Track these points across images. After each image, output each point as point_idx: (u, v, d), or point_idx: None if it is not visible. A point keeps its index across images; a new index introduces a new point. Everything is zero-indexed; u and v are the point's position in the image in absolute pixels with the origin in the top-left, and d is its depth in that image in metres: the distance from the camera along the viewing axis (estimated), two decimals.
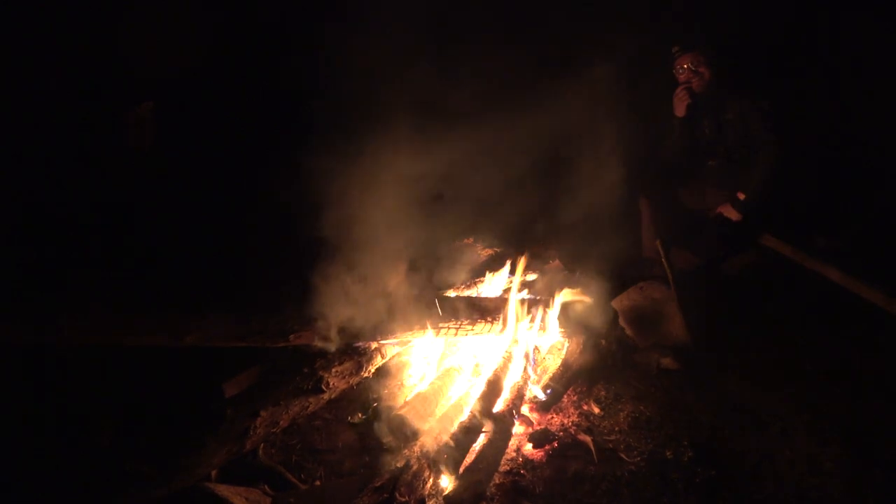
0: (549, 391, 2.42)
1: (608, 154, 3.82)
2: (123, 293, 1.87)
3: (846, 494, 1.96)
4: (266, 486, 1.97)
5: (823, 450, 2.14)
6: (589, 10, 3.82)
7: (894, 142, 3.67)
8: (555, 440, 2.21)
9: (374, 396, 2.45)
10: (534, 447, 2.18)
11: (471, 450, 2.02)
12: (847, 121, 3.74)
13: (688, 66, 3.27)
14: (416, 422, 2.10)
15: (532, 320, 2.67)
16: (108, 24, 2.74)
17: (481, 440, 2.07)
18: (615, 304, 2.98)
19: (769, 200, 3.25)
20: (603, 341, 2.78)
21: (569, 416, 2.38)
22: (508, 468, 2.08)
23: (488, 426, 2.09)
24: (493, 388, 2.26)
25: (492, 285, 2.98)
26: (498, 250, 3.29)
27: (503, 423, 2.13)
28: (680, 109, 3.34)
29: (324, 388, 2.15)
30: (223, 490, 1.83)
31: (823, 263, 2.96)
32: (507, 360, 2.47)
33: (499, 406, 2.23)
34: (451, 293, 2.81)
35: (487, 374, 2.35)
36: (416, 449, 1.95)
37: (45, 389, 1.97)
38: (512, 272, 2.97)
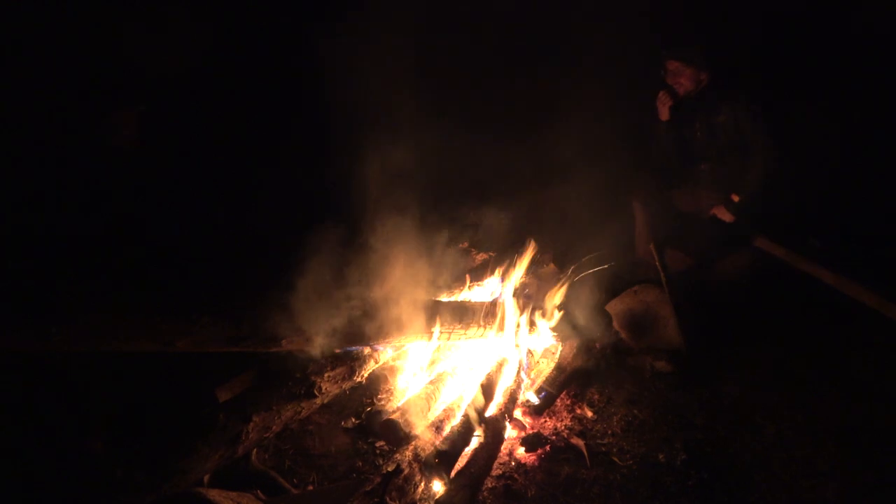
0: (542, 395, 2.42)
1: (603, 158, 3.85)
2: (114, 298, 1.87)
3: (840, 497, 1.95)
4: (259, 491, 1.96)
5: (818, 452, 2.14)
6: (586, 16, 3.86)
7: (888, 143, 3.68)
8: (547, 444, 2.21)
9: (368, 401, 2.45)
10: (526, 451, 2.18)
11: (463, 454, 2.02)
12: (840, 122, 3.75)
13: (676, 69, 3.27)
14: (408, 426, 2.10)
15: (526, 324, 2.68)
16: (97, 22, 2.75)
17: (474, 444, 2.07)
18: (609, 307, 2.99)
19: (762, 202, 3.26)
20: (597, 345, 2.78)
21: (562, 420, 2.38)
22: (501, 472, 2.08)
23: (481, 430, 2.09)
24: (485, 392, 2.26)
25: (486, 289, 2.98)
26: (493, 254, 3.29)
27: (496, 427, 2.13)
28: (663, 113, 3.36)
29: (316, 392, 2.15)
30: (215, 495, 1.82)
31: (816, 265, 2.97)
32: (501, 364, 2.47)
33: (491, 410, 2.23)
34: (446, 297, 2.82)
35: (480, 379, 2.35)
36: (408, 453, 1.95)
37: (37, 395, 1.97)
38: (506, 276, 2.97)
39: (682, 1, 3.97)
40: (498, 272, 2.99)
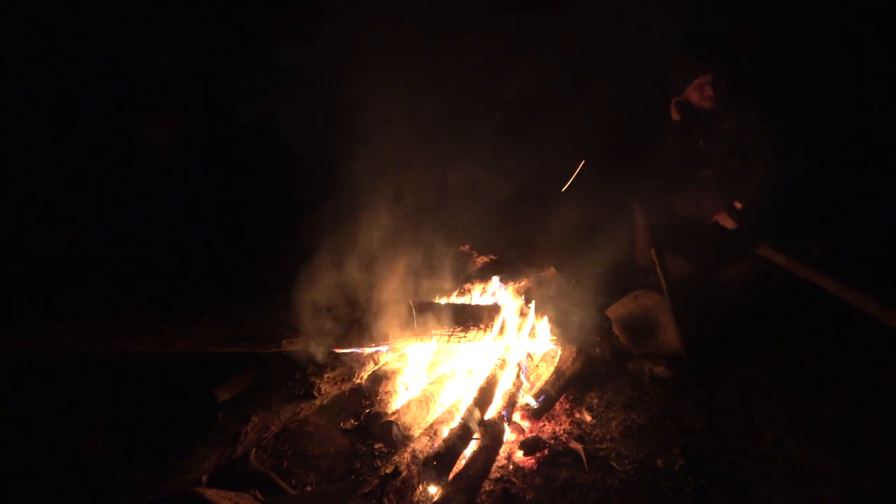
0: (541, 398, 2.42)
1: (603, 162, 3.85)
2: (114, 298, 1.87)
3: (840, 502, 1.95)
4: (257, 492, 1.97)
5: (816, 457, 2.14)
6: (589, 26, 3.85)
7: (889, 151, 3.68)
8: (546, 448, 2.21)
9: (367, 402, 2.45)
10: (525, 455, 2.18)
11: (461, 456, 2.02)
12: (843, 129, 3.74)
13: (711, 84, 3.20)
14: (407, 428, 2.10)
15: (525, 328, 2.68)
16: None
17: (472, 447, 2.07)
18: (609, 312, 2.99)
19: (764, 209, 3.26)
20: (596, 349, 2.78)
21: (560, 424, 2.38)
22: (499, 475, 2.08)
23: (479, 433, 2.09)
24: (484, 395, 2.26)
25: (486, 293, 2.98)
26: (493, 258, 3.29)
27: (494, 431, 2.13)
28: (675, 113, 3.36)
29: (315, 393, 2.15)
30: (213, 495, 1.83)
31: (817, 273, 2.96)
32: (500, 367, 2.47)
33: (490, 413, 2.24)
34: (446, 300, 2.82)
35: (479, 381, 2.35)
36: (407, 455, 1.95)
37: (37, 395, 1.97)
38: (507, 280, 2.98)
39: (682, 3, 3.97)
40: (499, 276, 2.99)
